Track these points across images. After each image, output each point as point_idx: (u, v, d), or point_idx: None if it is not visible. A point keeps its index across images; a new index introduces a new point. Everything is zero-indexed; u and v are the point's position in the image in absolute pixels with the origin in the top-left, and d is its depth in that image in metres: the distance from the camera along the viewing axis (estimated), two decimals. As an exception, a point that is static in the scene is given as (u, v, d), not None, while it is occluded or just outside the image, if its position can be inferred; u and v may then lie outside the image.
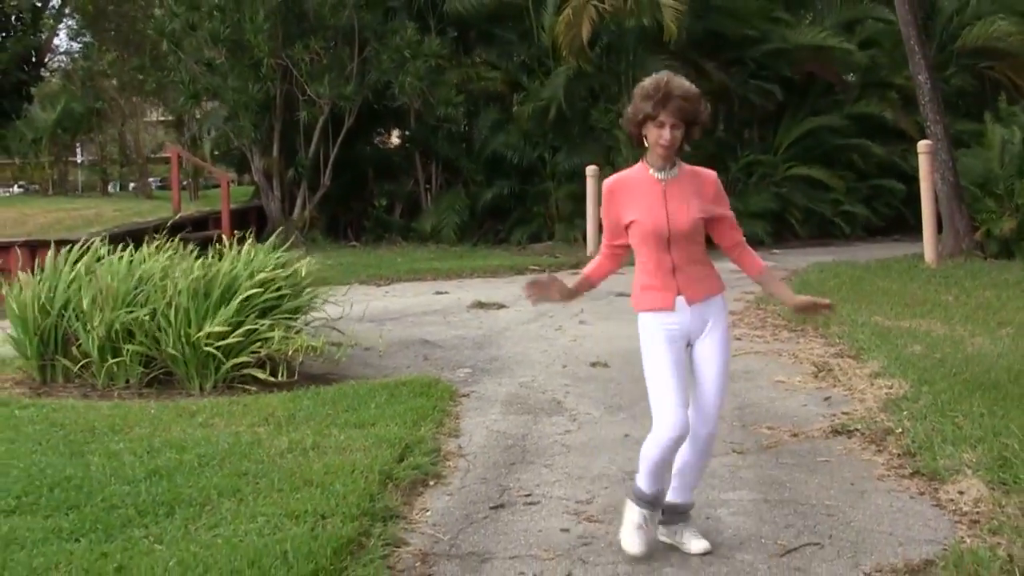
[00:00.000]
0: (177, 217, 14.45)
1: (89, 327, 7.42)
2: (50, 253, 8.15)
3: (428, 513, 4.66)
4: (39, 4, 28.55)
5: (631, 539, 4.08)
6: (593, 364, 7.97)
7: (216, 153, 24.31)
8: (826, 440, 5.71)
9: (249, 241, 8.25)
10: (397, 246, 19.02)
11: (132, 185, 35.65)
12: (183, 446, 5.48)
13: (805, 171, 18.89)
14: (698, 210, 4.03)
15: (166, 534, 4.18)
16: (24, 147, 26.64)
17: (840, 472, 5.12)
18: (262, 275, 7.53)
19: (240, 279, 7.48)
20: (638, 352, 4.13)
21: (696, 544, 4.14)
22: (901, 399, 6.19)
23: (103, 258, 8.00)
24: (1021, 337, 8.21)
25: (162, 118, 39.57)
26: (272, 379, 7.26)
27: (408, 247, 18.89)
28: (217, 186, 33.29)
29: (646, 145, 4.06)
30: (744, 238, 4.24)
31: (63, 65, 33.01)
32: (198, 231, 15.74)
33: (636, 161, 4.17)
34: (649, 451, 4.05)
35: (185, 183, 46.06)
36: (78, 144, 32.59)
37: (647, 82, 4.03)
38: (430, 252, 17.87)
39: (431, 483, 5.08)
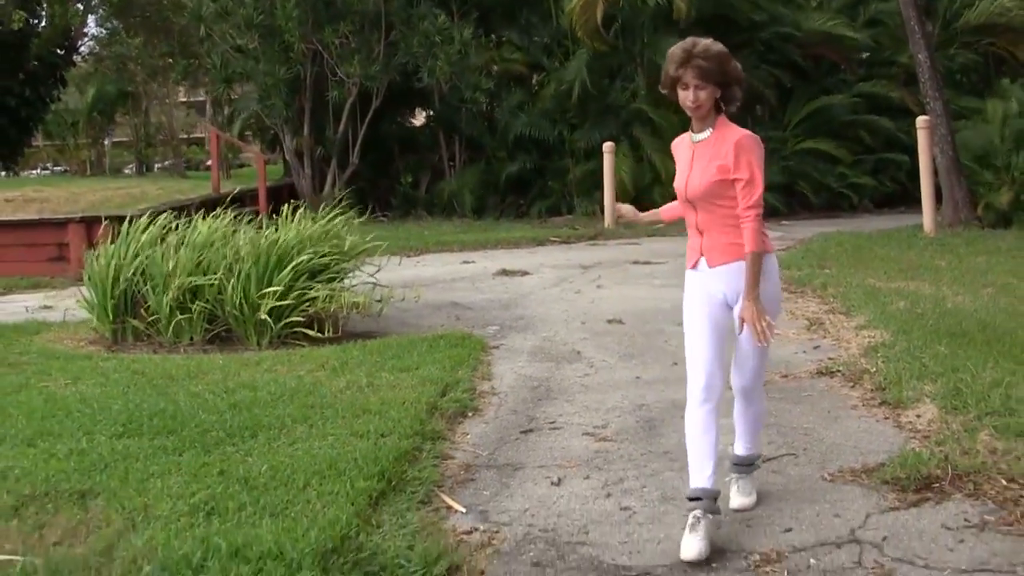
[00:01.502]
0: (218, 194, 15.39)
1: (159, 290, 8.32)
2: (124, 225, 9.00)
3: (468, 436, 5.54)
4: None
5: (684, 543, 3.86)
6: (609, 321, 8.81)
7: (247, 134, 25.17)
8: (811, 380, 6.55)
9: (299, 212, 9.08)
10: (423, 220, 19.90)
11: (157, 165, 36.63)
12: (255, 386, 6.38)
13: (812, 144, 19.61)
14: (714, 172, 4.01)
15: (253, 449, 5.07)
16: (64, 130, 27.58)
17: (820, 403, 5.97)
18: (313, 240, 8.39)
19: (292, 246, 8.35)
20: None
21: (737, 499, 4.34)
22: (880, 345, 7.01)
23: (171, 230, 8.85)
24: (1001, 295, 8.99)
25: (183, 99, 40.56)
26: (320, 335, 8.17)
27: (434, 221, 19.79)
28: (244, 165, 34.16)
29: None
30: (754, 212, 3.94)
31: (93, 50, 33.93)
32: (239, 207, 16.62)
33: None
34: (687, 416, 4.12)
35: (210, 163, 46.93)
36: (111, 127, 33.52)
37: (675, 47, 4.07)
38: (455, 226, 18.77)
39: (469, 414, 5.97)
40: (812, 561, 3.76)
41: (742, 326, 4.03)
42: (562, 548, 3.98)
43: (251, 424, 5.49)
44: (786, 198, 19.23)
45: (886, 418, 5.55)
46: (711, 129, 4.08)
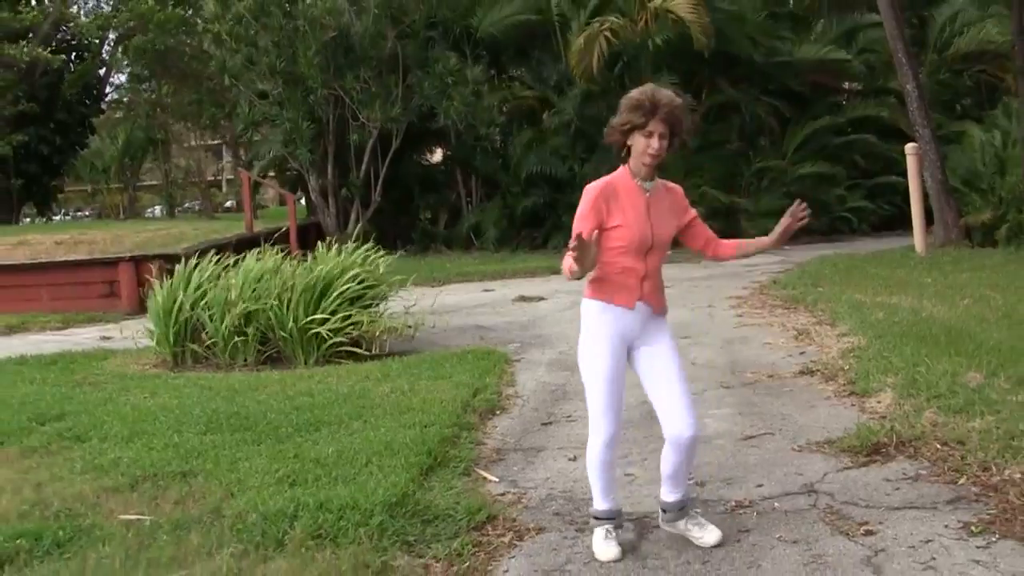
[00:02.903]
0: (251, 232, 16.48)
1: (217, 318, 9.35)
2: (181, 264, 10.05)
3: (497, 428, 6.54)
4: (97, 40, 30.68)
5: (602, 549, 4.22)
6: (618, 337, 9.78)
7: (271, 174, 26.34)
8: (794, 378, 7.52)
9: (339, 247, 10.11)
10: (443, 254, 20.96)
11: (179, 208, 37.88)
12: (311, 393, 7.40)
13: (811, 169, 20.59)
14: (675, 224, 4.30)
15: (319, 439, 6.06)
16: (95, 175, 28.82)
17: (798, 396, 6.94)
18: (352, 272, 9.41)
19: (335, 277, 9.37)
20: None
21: (709, 535, 4.29)
22: (856, 349, 7.97)
23: (229, 266, 9.89)
24: (975, 306, 9.91)
25: (198, 143, 41.99)
26: (362, 353, 9.18)
27: (453, 255, 20.85)
28: (261, 207, 35.25)
29: (628, 155, 4.18)
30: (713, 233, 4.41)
31: (122, 97, 35.27)
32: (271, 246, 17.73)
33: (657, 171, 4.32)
34: (592, 458, 4.32)
35: (229, 204, 48.17)
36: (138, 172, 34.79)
37: (634, 93, 4.14)
38: (474, 258, 19.84)
39: (497, 412, 6.97)
40: (776, 505, 4.73)
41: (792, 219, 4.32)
42: (578, 503, 4.96)
43: (314, 421, 6.50)
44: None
45: (852, 405, 6.51)
46: (657, 179, 4.26)
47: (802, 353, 8.45)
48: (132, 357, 10.14)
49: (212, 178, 37.20)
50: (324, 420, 6.52)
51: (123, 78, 34.65)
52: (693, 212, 4.39)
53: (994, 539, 4.11)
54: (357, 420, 6.49)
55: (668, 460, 4.31)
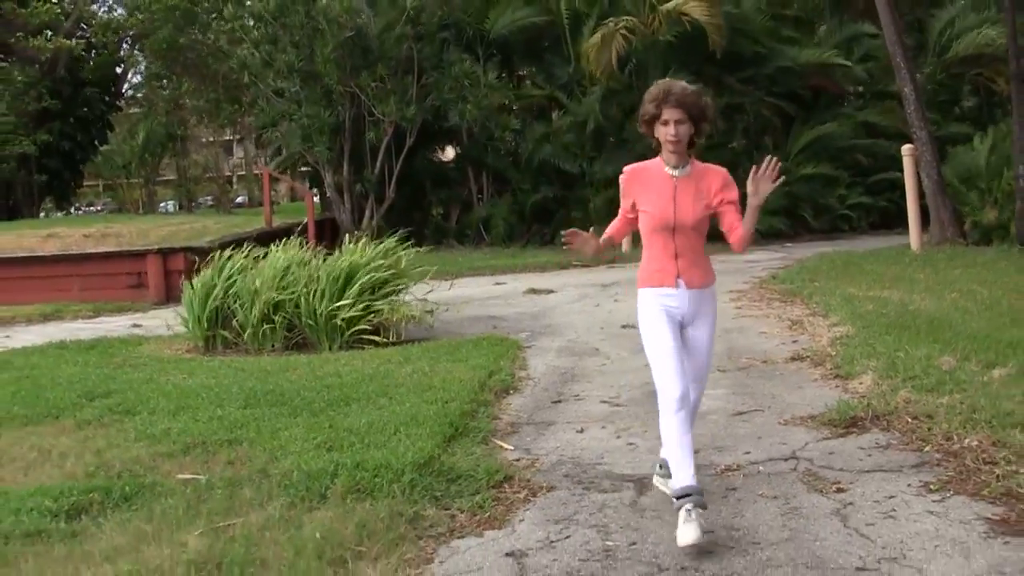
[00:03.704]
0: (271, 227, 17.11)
1: (246, 306, 9.97)
2: (216, 254, 10.65)
3: (511, 405, 7.15)
4: (111, 40, 31.30)
5: (683, 532, 4.18)
6: (623, 326, 10.38)
7: (287, 171, 26.96)
8: (785, 364, 8.11)
9: (362, 240, 10.72)
10: (455, 249, 21.58)
11: (195, 203, 38.57)
12: (339, 374, 8.02)
13: (814, 170, 21.17)
14: (704, 207, 4.53)
15: (350, 413, 6.68)
16: (115, 170, 29.51)
17: (788, 379, 7.53)
18: (374, 263, 10.03)
19: (358, 267, 9.98)
20: None
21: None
22: (844, 337, 8.56)
23: (258, 257, 10.50)
24: (961, 299, 10.47)
25: (210, 139, 42.66)
26: (382, 340, 9.79)
27: (464, 249, 21.47)
28: (276, 203, 35.94)
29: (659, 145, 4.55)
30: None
31: (137, 94, 35.91)
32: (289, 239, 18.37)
33: None
34: (666, 423, 4.51)
35: (239, 199, 48.82)
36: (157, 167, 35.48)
37: (652, 87, 4.51)
38: (485, 253, 20.46)
39: (511, 392, 7.57)
40: (761, 469, 5.33)
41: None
42: (585, 466, 5.57)
43: (343, 397, 7.12)
44: (790, 221, 20.81)
45: (837, 386, 7.10)
46: (689, 165, 4.56)
47: (795, 341, 9.04)
48: (165, 343, 10.78)
49: (234, 174, 37.79)
50: (353, 397, 7.14)
51: (139, 78, 35.37)
52: (727, 196, 4.56)
53: (949, 495, 4.70)
54: (383, 397, 7.10)
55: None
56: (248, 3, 22.96)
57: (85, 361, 9.60)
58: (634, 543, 4.38)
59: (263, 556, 4.23)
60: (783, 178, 4.62)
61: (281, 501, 4.93)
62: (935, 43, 22.12)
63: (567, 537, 4.49)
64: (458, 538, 4.54)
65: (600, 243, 4.83)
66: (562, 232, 4.74)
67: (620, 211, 4.82)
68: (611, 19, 20.83)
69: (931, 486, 4.83)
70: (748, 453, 5.63)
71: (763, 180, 4.53)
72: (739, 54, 21.37)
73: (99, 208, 46.64)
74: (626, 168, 4.72)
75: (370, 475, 5.14)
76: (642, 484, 5.22)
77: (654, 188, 4.58)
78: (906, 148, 16.29)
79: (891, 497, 4.73)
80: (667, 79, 4.60)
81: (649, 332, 4.59)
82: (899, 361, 7.17)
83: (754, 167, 4.54)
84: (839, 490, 4.89)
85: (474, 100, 20.63)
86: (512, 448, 6.01)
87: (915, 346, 7.59)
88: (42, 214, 32.88)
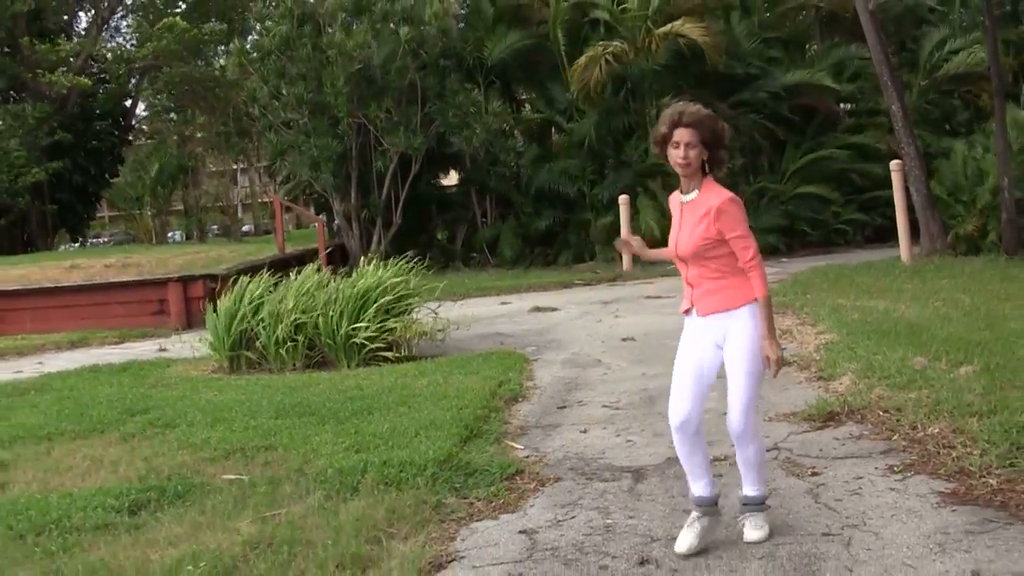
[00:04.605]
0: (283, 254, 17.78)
1: (269, 328, 10.61)
2: (242, 280, 11.30)
3: (520, 411, 7.78)
4: (121, 74, 32.14)
5: (680, 537, 4.52)
6: (623, 339, 11.01)
7: (297, 199, 27.69)
8: (774, 369, 8.72)
9: (374, 264, 11.38)
10: (460, 271, 22.24)
11: (201, 231, 39.30)
12: (360, 387, 8.66)
13: (808, 189, 21.86)
14: (699, 236, 4.36)
15: (373, 420, 7.31)
16: (128, 203, 30.30)
17: (775, 382, 8.03)
18: (387, 284, 10.67)
19: (373, 290, 10.63)
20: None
21: (750, 534, 4.59)
22: (829, 343, 9.18)
23: (277, 282, 11.15)
24: (944, 307, 11.09)
25: (219, 168, 43.53)
26: (397, 356, 10.43)
27: (470, 271, 22.14)
28: (285, 230, 36.61)
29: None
30: (755, 262, 4.39)
31: (145, 127, 36.78)
32: (301, 265, 19.05)
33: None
34: (676, 442, 4.70)
35: (246, 228, 49.54)
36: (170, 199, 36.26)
37: (668, 109, 4.45)
38: (490, 274, 21.14)
39: (519, 400, 8.20)
40: (746, 458, 5.94)
41: (768, 362, 4.50)
42: (588, 461, 6.19)
43: (366, 407, 7.75)
44: (786, 238, 21.47)
45: (819, 387, 7.72)
46: (697, 191, 4.42)
47: (784, 349, 9.60)
48: (191, 364, 11.42)
49: (239, 202, 38.63)
50: (375, 407, 7.77)
51: (145, 110, 36.20)
52: (730, 227, 4.35)
53: (910, 475, 5.32)
54: (403, 406, 7.73)
55: (737, 454, 4.78)
56: (254, 36, 23.73)
57: (120, 382, 10.26)
58: (631, 518, 5.01)
59: (308, 537, 4.85)
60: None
61: (318, 494, 5.55)
62: (926, 62, 22.83)
63: (572, 517, 5.11)
64: (476, 521, 5.16)
65: (652, 252, 4.96)
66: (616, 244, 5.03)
67: None
68: (601, 43, 21.57)
69: (895, 468, 5.45)
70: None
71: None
72: (732, 76, 22.07)
73: (106, 239, 47.50)
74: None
75: (396, 470, 5.76)
76: (639, 474, 5.84)
77: (673, 215, 4.63)
78: (894, 164, 16.93)
79: (859, 478, 5.35)
80: (683, 102, 4.52)
81: (677, 355, 4.66)
82: (876, 363, 7.78)
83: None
84: (814, 474, 5.51)
85: (480, 127, 21.32)
86: (522, 447, 6.63)
87: (893, 349, 8.20)
88: (61, 247, 33.66)
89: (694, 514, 4.58)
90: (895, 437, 6.03)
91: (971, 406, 6.13)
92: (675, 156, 4.35)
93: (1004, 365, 7.09)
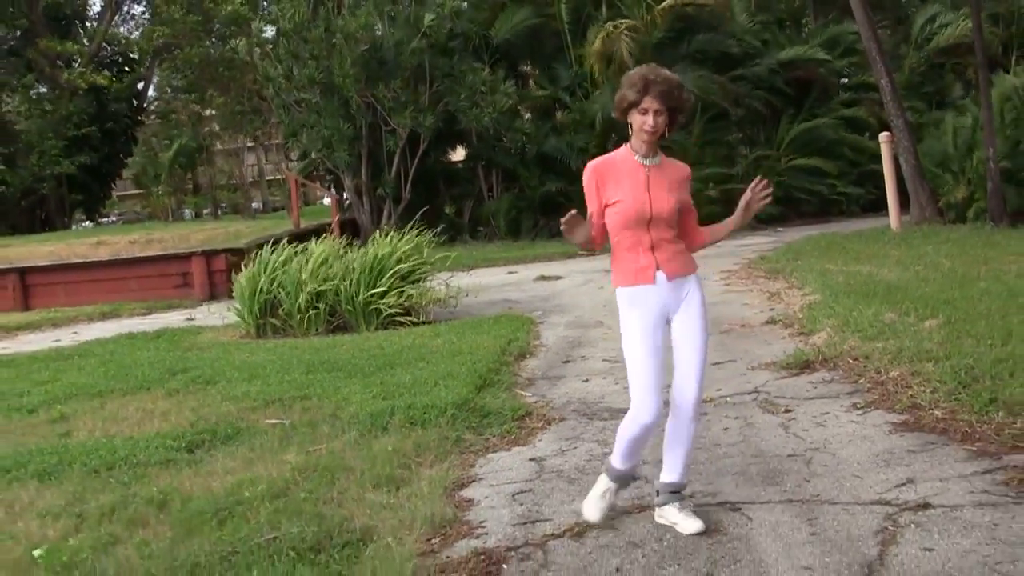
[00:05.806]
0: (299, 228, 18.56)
1: (292, 296, 11.40)
2: (264, 251, 12.09)
3: (528, 365, 8.57)
4: (143, 54, 32.86)
5: (591, 507, 4.51)
6: (624, 303, 11.77)
7: (311, 175, 28.45)
8: (760, 327, 9.51)
9: (389, 234, 12.16)
10: (468, 243, 23.01)
11: (207, 209, 40.07)
12: (381, 347, 9.45)
13: (804, 162, 22.60)
14: (676, 199, 4.30)
15: (396, 373, 8.11)
16: (148, 180, 31.12)
17: (761, 338, 8.93)
18: (401, 252, 11.45)
19: (387, 258, 11.41)
20: None
21: (688, 524, 4.32)
22: (812, 304, 9.95)
23: (298, 252, 11.93)
24: (924, 270, 11.83)
25: (230, 146, 44.28)
26: (413, 321, 11.22)
27: (477, 243, 22.92)
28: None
29: (630, 132, 4.30)
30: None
31: (160, 109, 37.48)
32: (316, 238, 19.84)
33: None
34: (625, 431, 4.37)
35: (255, 205, 50.23)
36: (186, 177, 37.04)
37: (633, 72, 4.26)
38: (497, 246, 21.95)
39: (527, 356, 9.00)
40: (728, 400, 6.74)
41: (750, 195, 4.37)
42: (589, 404, 6.99)
43: (388, 363, 8.55)
44: (782, 208, 22.19)
45: (800, 341, 8.50)
46: (659, 155, 4.35)
47: (771, 309, 10.43)
48: (220, 331, 12.23)
49: (252, 180, 39.43)
50: (396, 362, 8.57)
51: (154, 91, 36.87)
52: (688, 198, 4.42)
53: (870, 410, 6.10)
54: (422, 361, 8.53)
55: (668, 428, 4.46)
56: (269, 16, 24.41)
57: (156, 347, 11.07)
58: (625, 447, 5.80)
59: (347, 464, 5.65)
60: (770, 199, 4.49)
61: (353, 432, 6.34)
62: (917, 36, 23.50)
63: (575, 448, 5.91)
64: (492, 452, 5.95)
65: (584, 239, 4.36)
66: (562, 220, 4.22)
67: (591, 217, 4.36)
68: (610, 22, 22.23)
69: (857, 405, 6.23)
70: (719, 390, 7.03)
71: (755, 201, 4.43)
72: (729, 53, 22.75)
73: (114, 219, 48.24)
74: (590, 164, 4.43)
75: (420, 412, 6.56)
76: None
77: (625, 179, 4.31)
78: (883, 136, 17.65)
79: (825, 413, 6.13)
80: (649, 65, 4.34)
81: (630, 341, 4.37)
82: (852, 319, 8.55)
83: (750, 189, 4.43)
84: (786, 411, 6.30)
85: (490, 106, 22.03)
86: (530, 395, 7.43)
87: (868, 306, 8.96)
88: (75, 226, 34.49)
89: (612, 486, 4.54)
90: (861, 380, 6.80)
91: (929, 352, 6.90)
92: (643, 123, 4.22)
93: (964, 318, 7.84)
